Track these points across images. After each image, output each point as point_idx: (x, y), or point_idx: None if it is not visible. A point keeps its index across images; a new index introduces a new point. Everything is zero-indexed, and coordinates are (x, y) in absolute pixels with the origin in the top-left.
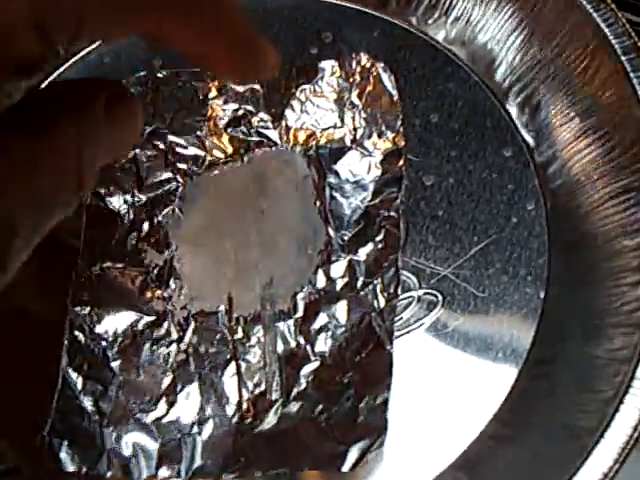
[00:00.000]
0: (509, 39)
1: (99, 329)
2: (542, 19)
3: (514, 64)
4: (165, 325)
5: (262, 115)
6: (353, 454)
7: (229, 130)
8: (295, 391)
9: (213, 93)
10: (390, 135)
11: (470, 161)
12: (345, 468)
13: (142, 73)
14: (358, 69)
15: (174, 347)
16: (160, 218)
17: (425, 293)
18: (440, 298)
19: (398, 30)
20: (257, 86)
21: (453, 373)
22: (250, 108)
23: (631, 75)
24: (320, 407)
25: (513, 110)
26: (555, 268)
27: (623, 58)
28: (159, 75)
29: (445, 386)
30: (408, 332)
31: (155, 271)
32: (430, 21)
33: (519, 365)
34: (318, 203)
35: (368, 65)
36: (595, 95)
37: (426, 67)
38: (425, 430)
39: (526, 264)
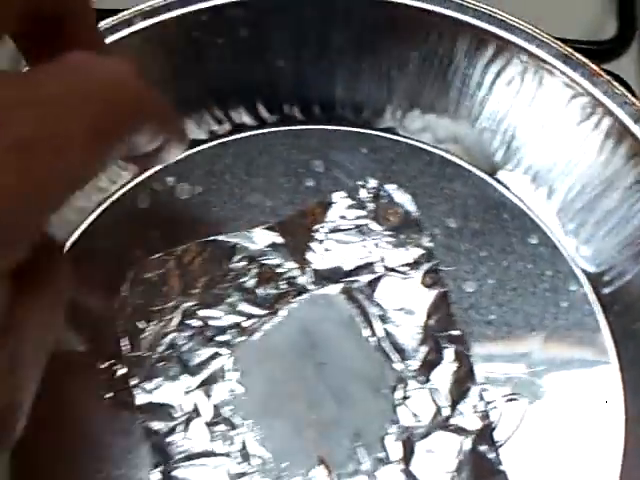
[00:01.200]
0: (500, 126)
1: None
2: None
3: (512, 146)
4: None
5: (288, 265)
6: None
7: (259, 289)
8: None
9: (234, 256)
10: (420, 252)
11: (501, 257)
12: None
13: (157, 255)
14: (368, 194)
15: None
16: (219, 397)
17: (507, 400)
18: (525, 401)
19: (385, 142)
20: (278, 238)
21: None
22: (274, 262)
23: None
24: None
25: (526, 195)
26: (620, 342)
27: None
28: (164, 257)
29: None
30: (505, 442)
31: (234, 453)
32: (414, 125)
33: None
34: (373, 339)
35: (377, 187)
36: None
37: (425, 173)
38: None
39: (589, 343)
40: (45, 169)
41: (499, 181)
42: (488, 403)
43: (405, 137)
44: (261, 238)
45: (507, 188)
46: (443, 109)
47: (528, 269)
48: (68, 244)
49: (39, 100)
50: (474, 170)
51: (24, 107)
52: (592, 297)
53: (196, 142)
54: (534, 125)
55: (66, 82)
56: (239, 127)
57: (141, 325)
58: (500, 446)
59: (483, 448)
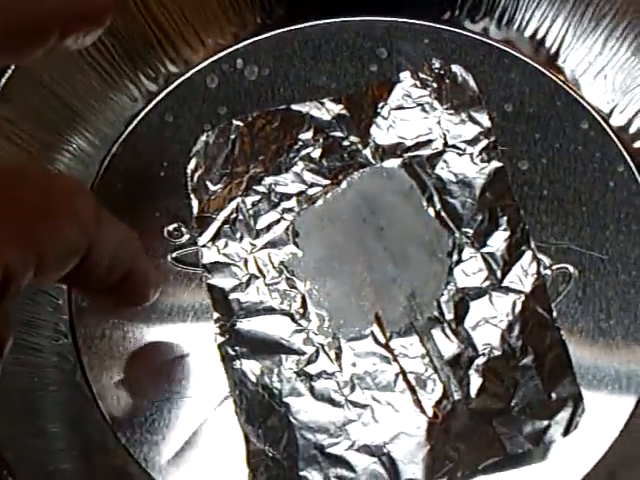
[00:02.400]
0: (554, 25)
1: (260, 380)
2: None
3: (572, 44)
4: (322, 359)
5: (352, 138)
6: (559, 425)
7: (323, 160)
8: (475, 388)
9: (302, 127)
10: (479, 130)
11: (554, 140)
12: (555, 437)
13: (230, 121)
14: (432, 74)
15: (338, 377)
16: (281, 259)
17: (558, 269)
18: (572, 269)
19: (447, 34)
20: (343, 111)
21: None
22: (338, 134)
23: None
24: (506, 396)
25: (580, 85)
26: None
27: None
28: (235, 123)
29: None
30: (556, 306)
31: (293, 311)
32: (476, 20)
33: None
34: (431, 209)
35: (441, 68)
36: None
37: (484, 63)
38: None
39: (636, 220)
40: None
41: (554, 72)
42: (540, 267)
43: (465, 30)
44: (329, 109)
45: (561, 78)
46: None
47: (579, 151)
48: (138, 118)
49: None
50: (530, 61)
51: None
52: (638, 177)
53: (265, 27)
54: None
55: None
56: (306, 16)
57: (211, 187)
58: (551, 306)
59: (537, 307)
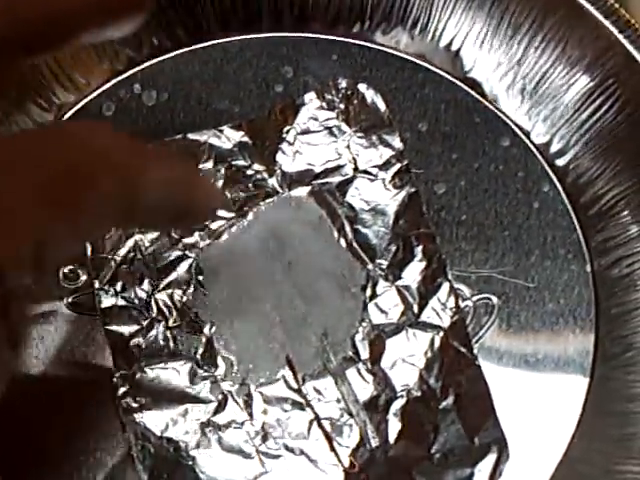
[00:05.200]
0: (470, 34)
1: (164, 433)
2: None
3: (490, 55)
4: (230, 408)
5: (256, 167)
6: (482, 473)
7: (227, 191)
8: (393, 433)
9: (202, 156)
10: (391, 153)
11: (473, 159)
12: None
13: None
14: (339, 95)
15: (248, 427)
16: (184, 300)
17: (479, 299)
18: (495, 299)
19: (356, 49)
20: (244, 138)
21: (527, 379)
22: (241, 162)
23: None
24: (427, 441)
25: (499, 99)
26: (591, 239)
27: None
28: None
29: (523, 391)
30: (478, 340)
31: (198, 356)
32: (387, 32)
33: (589, 361)
34: (342, 240)
35: (348, 88)
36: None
37: (396, 79)
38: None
39: (562, 243)
40: None
41: (471, 86)
42: (459, 300)
43: (376, 44)
44: (229, 137)
45: (479, 92)
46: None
47: (500, 170)
48: None
49: None
50: (446, 75)
51: None
52: (564, 197)
53: (162, 49)
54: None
55: (16, 150)
56: (207, 35)
57: None
58: (471, 341)
59: (455, 343)
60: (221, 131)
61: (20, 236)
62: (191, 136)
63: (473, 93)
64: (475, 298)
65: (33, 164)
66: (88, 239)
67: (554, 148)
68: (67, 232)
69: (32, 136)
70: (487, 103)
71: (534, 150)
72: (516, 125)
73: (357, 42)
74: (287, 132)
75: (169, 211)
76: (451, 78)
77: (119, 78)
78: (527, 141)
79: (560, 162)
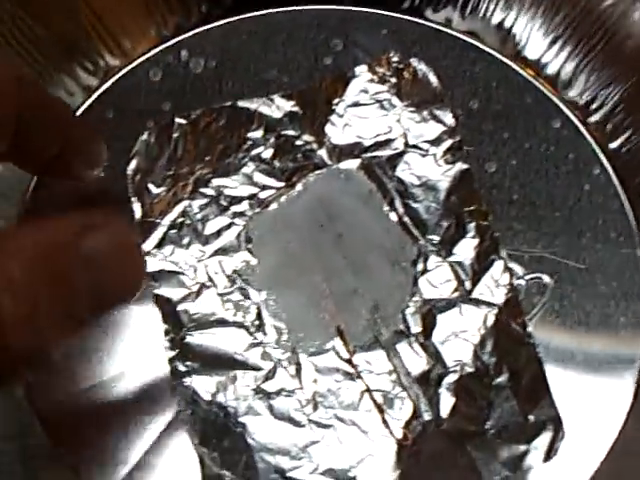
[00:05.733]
0: (522, 14)
1: (214, 398)
2: None
3: (542, 34)
4: (280, 375)
5: (305, 137)
6: (537, 450)
7: (275, 160)
8: (446, 408)
9: (251, 125)
10: (443, 128)
11: (524, 139)
12: (534, 464)
13: (172, 119)
14: (391, 69)
15: (298, 395)
16: (233, 267)
17: (531, 278)
18: (547, 279)
19: (407, 24)
20: (295, 108)
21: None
22: (291, 133)
23: None
24: (480, 417)
25: (551, 79)
26: None
27: None
28: (178, 121)
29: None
30: (530, 320)
31: (248, 323)
32: (438, 9)
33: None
34: (393, 214)
35: (400, 62)
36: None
37: (447, 56)
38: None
39: (613, 226)
40: None
41: (522, 66)
42: (512, 278)
43: (427, 20)
44: (280, 106)
45: (530, 72)
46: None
47: (551, 151)
48: (79, 113)
49: None
50: (497, 54)
51: None
52: (615, 180)
53: (211, 17)
54: None
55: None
56: (256, 4)
57: (154, 189)
58: (526, 320)
59: (509, 321)
60: (272, 100)
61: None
62: (240, 104)
63: (524, 73)
64: (528, 277)
65: None
66: None
67: (607, 129)
68: None
69: None
70: (538, 84)
71: (585, 132)
72: (568, 106)
73: (407, 17)
74: (337, 104)
75: (48, 140)
76: (502, 57)
77: (166, 44)
78: (578, 123)
79: (612, 145)
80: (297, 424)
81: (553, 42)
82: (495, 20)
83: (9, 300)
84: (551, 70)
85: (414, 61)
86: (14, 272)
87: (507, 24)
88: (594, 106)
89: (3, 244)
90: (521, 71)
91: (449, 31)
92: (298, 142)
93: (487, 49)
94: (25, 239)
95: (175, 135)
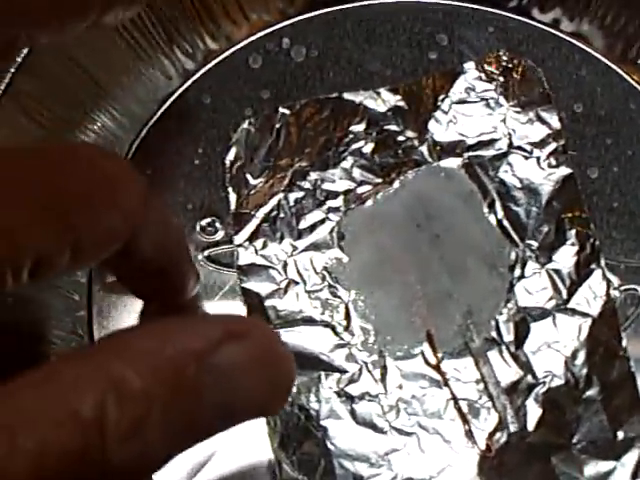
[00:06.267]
0: (631, 19)
1: (295, 400)
2: None
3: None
4: (365, 379)
5: (408, 133)
6: (625, 468)
7: (375, 156)
8: (533, 420)
9: (355, 118)
10: (548, 131)
11: (627, 146)
12: None
13: (275, 109)
14: (499, 67)
15: (382, 400)
16: (324, 264)
17: (626, 289)
18: None
19: (514, 23)
20: (400, 103)
21: None
22: (394, 128)
23: None
24: (568, 430)
25: None
26: None
27: None
28: (282, 111)
29: None
30: (623, 331)
31: (335, 323)
32: (545, 10)
33: None
34: (492, 217)
35: (510, 61)
36: None
37: (553, 57)
38: None
39: None
40: None
41: (628, 72)
42: (610, 288)
43: (534, 20)
44: (385, 100)
45: (636, 78)
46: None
47: None
48: (173, 98)
49: None
50: (603, 58)
51: None
52: None
53: (315, 5)
54: None
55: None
56: None
57: (252, 180)
58: (621, 333)
59: (604, 333)
60: (378, 93)
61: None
62: (346, 96)
63: (629, 79)
64: (623, 288)
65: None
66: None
67: None
68: (67, 255)
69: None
70: None
71: None
72: None
73: (514, 16)
74: (442, 100)
75: (154, 269)
76: (608, 61)
77: (268, 30)
78: None
79: None
80: (379, 430)
81: None
82: (604, 23)
83: (116, 411)
84: None
85: (523, 61)
86: (129, 381)
87: (616, 28)
88: None
89: (121, 347)
90: (627, 76)
91: (556, 32)
92: (400, 137)
93: (594, 52)
94: (149, 344)
95: (278, 125)
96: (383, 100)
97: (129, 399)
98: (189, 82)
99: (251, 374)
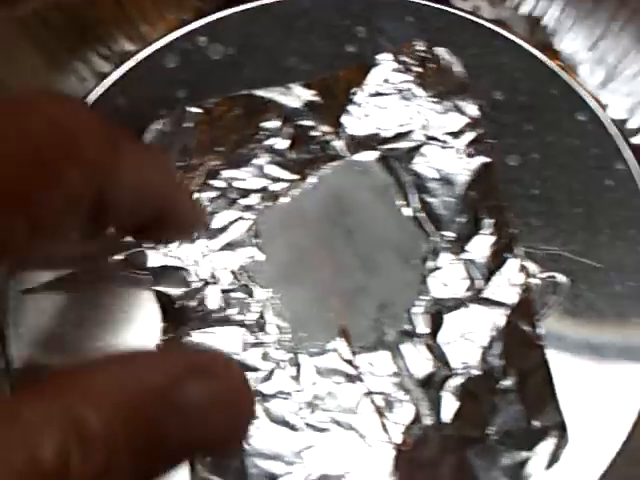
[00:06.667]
0: (552, 4)
1: None
2: None
3: (571, 26)
4: (279, 377)
5: (323, 128)
6: (539, 457)
7: (290, 151)
8: (449, 412)
9: (268, 114)
10: (466, 120)
11: (548, 132)
12: (535, 471)
13: (185, 107)
14: (415, 57)
15: (296, 398)
16: (240, 263)
17: (546, 277)
18: (562, 278)
19: (433, 12)
20: (314, 97)
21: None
22: (308, 123)
23: None
24: (484, 422)
25: (578, 72)
26: None
27: None
28: (192, 110)
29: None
30: (541, 320)
31: (250, 322)
32: None
33: None
34: (407, 209)
35: (425, 51)
36: None
37: (474, 45)
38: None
39: (634, 224)
40: None
41: (549, 57)
42: (527, 277)
43: (454, 7)
44: (298, 95)
45: (557, 63)
46: None
47: (574, 145)
48: (88, 101)
49: None
50: (524, 44)
51: None
52: (637, 176)
53: (231, 2)
54: None
55: None
56: None
57: None
58: (537, 321)
59: (520, 322)
60: (289, 88)
61: None
62: (257, 92)
63: (551, 64)
64: (542, 276)
65: None
66: (50, 240)
67: (631, 125)
68: (23, 232)
69: None
70: (565, 75)
71: (610, 126)
72: (593, 100)
73: (433, 5)
74: (357, 93)
75: (141, 219)
76: (529, 47)
77: (184, 29)
78: (604, 117)
79: (636, 140)
80: (293, 428)
81: (582, 33)
82: (525, 9)
83: (78, 455)
84: (578, 62)
85: (439, 50)
86: (90, 422)
87: (537, 13)
88: (619, 101)
89: (81, 385)
90: (548, 61)
91: (476, 19)
92: (315, 133)
93: (514, 38)
94: (110, 380)
95: (188, 124)
96: (296, 95)
97: (92, 441)
98: (104, 84)
99: (212, 411)
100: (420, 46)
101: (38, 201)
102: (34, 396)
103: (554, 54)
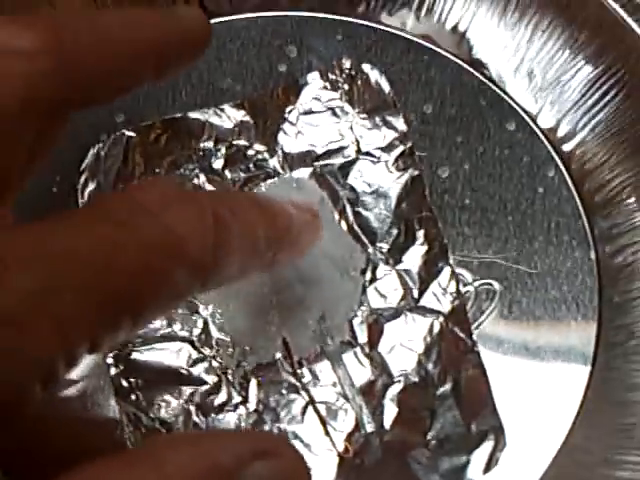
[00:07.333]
0: (476, 16)
1: (156, 414)
2: None
3: (497, 37)
4: (225, 390)
5: (257, 147)
6: (478, 461)
7: (226, 171)
8: (389, 419)
9: (202, 136)
10: (394, 135)
11: (478, 143)
12: (474, 475)
13: (121, 132)
14: (343, 75)
15: (241, 410)
16: None
17: (480, 284)
18: (496, 285)
19: (361, 29)
20: (246, 118)
21: (528, 365)
22: (243, 142)
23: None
24: (423, 428)
25: (505, 82)
26: (596, 226)
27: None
28: (128, 133)
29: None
30: (478, 327)
31: (194, 338)
32: (393, 12)
33: (591, 349)
34: (343, 223)
35: (352, 68)
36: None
37: (402, 60)
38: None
39: (566, 229)
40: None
41: (477, 69)
42: (462, 285)
43: (381, 24)
44: (230, 116)
45: (485, 75)
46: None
47: (505, 154)
48: None
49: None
50: (452, 57)
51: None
52: (569, 183)
53: None
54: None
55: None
56: (211, 13)
57: None
58: (472, 328)
59: (455, 329)
60: (222, 110)
61: (77, 342)
62: (191, 115)
63: (479, 76)
64: (477, 283)
65: (91, 270)
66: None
67: (560, 133)
68: (129, 328)
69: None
70: (493, 86)
71: (540, 135)
72: (522, 109)
73: (362, 22)
74: (289, 112)
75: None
76: (457, 60)
77: None
78: (533, 125)
79: (566, 147)
80: None
81: (507, 44)
82: (450, 23)
83: None
84: (505, 72)
85: (366, 67)
86: None
87: (462, 27)
88: (547, 109)
89: (159, 461)
90: (476, 73)
91: (404, 35)
92: (249, 152)
93: (442, 52)
94: (184, 457)
95: (124, 148)
96: (228, 116)
97: None
98: None
99: None
100: (347, 64)
101: (143, 308)
102: (113, 467)
103: (481, 66)
